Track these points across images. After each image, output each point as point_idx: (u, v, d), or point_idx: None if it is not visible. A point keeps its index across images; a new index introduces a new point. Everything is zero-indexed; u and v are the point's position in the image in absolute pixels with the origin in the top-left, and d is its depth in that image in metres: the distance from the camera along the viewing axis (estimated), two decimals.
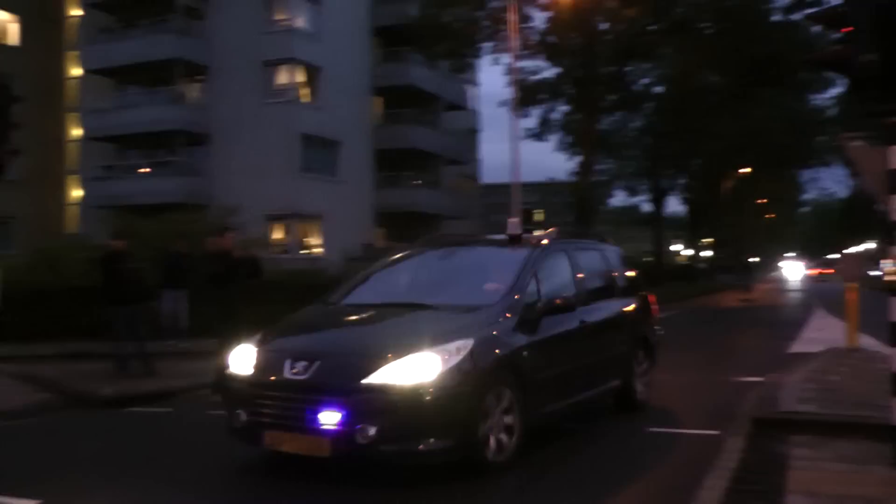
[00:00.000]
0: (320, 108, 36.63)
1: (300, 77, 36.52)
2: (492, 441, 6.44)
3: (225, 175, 34.45)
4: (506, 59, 29.34)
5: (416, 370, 6.09)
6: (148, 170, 38.08)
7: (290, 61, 35.81)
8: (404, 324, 7.04)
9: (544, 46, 32.27)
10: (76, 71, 41.12)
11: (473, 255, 8.75)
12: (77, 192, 41.26)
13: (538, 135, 40.14)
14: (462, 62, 36.83)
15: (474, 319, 6.86)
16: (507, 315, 7.00)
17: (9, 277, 12.70)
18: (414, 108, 42.93)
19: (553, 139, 42.73)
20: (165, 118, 36.02)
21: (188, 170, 36.59)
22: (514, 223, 8.47)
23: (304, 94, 36.80)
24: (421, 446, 6.03)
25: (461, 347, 6.32)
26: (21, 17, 40.64)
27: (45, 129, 38.24)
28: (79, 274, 16.09)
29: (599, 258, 9.14)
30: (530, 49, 31.91)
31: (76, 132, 41.25)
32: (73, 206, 41.47)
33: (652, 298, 10.04)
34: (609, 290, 9.05)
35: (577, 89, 33.22)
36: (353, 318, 7.58)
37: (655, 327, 9.92)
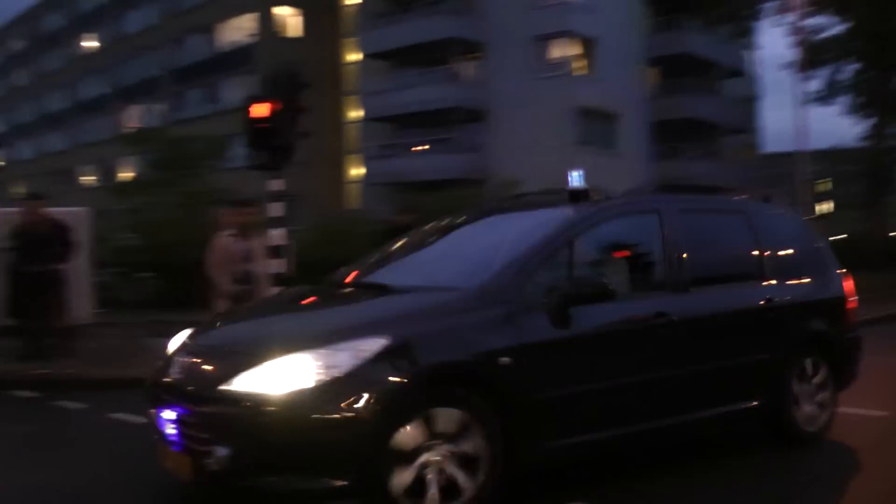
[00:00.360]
0: (595, 81, 36.22)
1: (574, 50, 36.29)
2: (431, 488, 4.47)
3: (501, 151, 35.02)
4: (789, 18, 27.76)
5: (283, 377, 4.43)
6: (425, 147, 39.48)
7: (565, 34, 35.66)
8: (325, 313, 5.69)
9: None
10: (354, 56, 43.44)
11: (511, 223, 6.43)
12: (356, 171, 43.59)
13: (824, 98, 37.52)
14: (742, 26, 35.28)
15: (414, 309, 5.16)
16: (487, 304, 4.99)
17: (297, 250, 13.34)
18: (690, 76, 41.30)
19: (840, 102, 39.96)
20: (441, 97, 36.97)
21: (465, 146, 37.41)
22: (576, 176, 6.22)
23: (579, 67, 36.51)
24: (301, 483, 4.37)
25: (362, 349, 4.51)
26: (303, 10, 43.93)
27: (326, 113, 40.82)
28: (362, 246, 17.02)
29: (733, 224, 6.68)
30: (816, 4, 29.85)
31: (355, 114, 43.47)
32: (352, 184, 43.99)
33: (849, 285, 7.17)
34: (746, 269, 6.57)
35: (871, 44, 30.57)
36: (301, 303, 6.14)
37: (850, 328, 7.05)
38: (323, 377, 4.37)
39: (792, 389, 6.34)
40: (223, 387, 4.51)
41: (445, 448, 4.54)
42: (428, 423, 4.50)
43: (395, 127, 40.64)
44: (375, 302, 5.48)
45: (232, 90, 42.81)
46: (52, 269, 10.57)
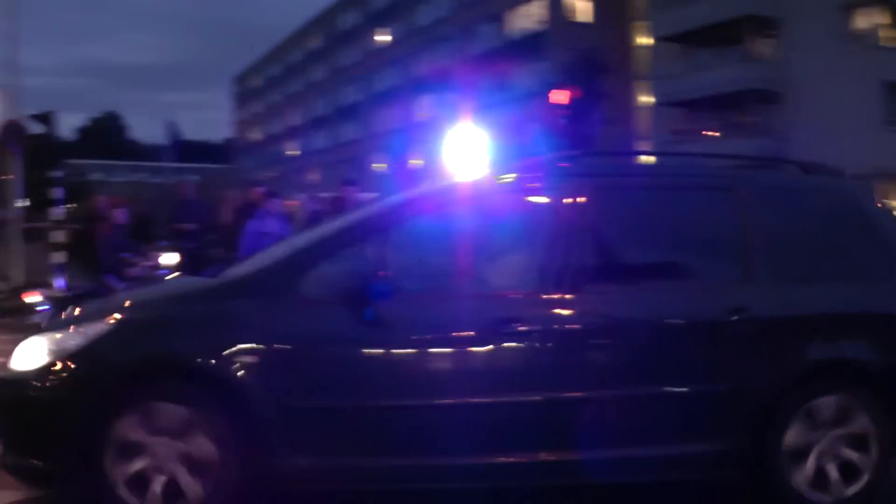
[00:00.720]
0: None
1: (882, 18, 34.71)
2: (153, 485, 4.23)
3: (797, 133, 33.69)
4: None
5: (25, 357, 4.47)
6: (717, 133, 39.20)
7: (872, 1, 34.29)
8: (117, 297, 5.88)
9: None
10: (644, 40, 43.82)
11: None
12: (646, 159, 43.92)
13: None
14: None
15: (159, 295, 5.16)
16: (238, 295, 4.55)
17: None
18: None
19: None
20: (735, 79, 36.40)
21: (760, 130, 36.71)
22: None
23: (888, 36, 34.89)
24: (16, 461, 4.43)
25: (88, 333, 4.39)
26: None
27: (617, 99, 41.80)
28: None
29: (696, 204, 5.09)
30: None
31: (646, 99, 43.80)
32: None
33: None
34: (700, 265, 5.02)
35: None
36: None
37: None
38: (49, 358, 4.35)
39: (783, 437, 4.68)
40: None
41: (172, 446, 4.26)
42: (148, 415, 4.26)
43: (686, 112, 40.53)
44: (151, 288, 5.67)
45: (522, 78, 44.92)
46: None
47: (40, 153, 18.28)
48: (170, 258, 11.00)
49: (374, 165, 63.22)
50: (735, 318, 4.68)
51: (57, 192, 16.57)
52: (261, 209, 10.45)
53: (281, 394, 4.29)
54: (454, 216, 4.91)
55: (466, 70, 51.53)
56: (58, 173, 17.65)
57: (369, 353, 4.50)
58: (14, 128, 16.64)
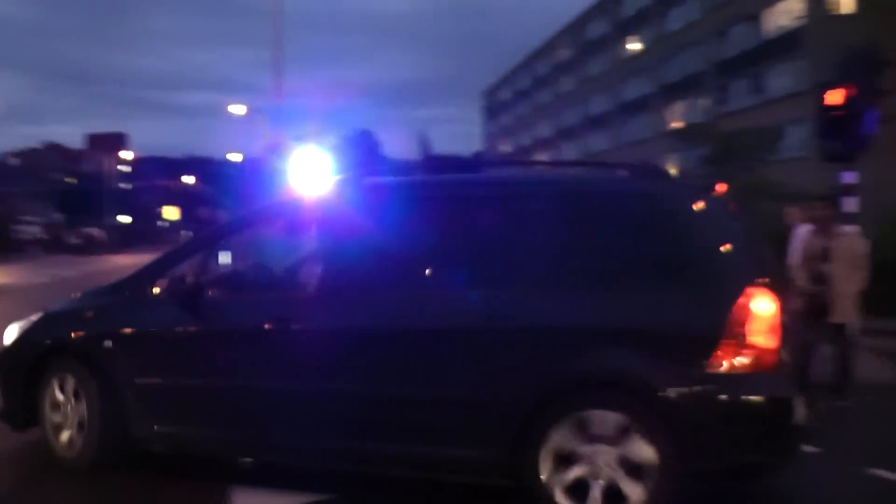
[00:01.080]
0: None
1: None
2: (62, 435, 5.79)
3: None
4: None
5: (4, 339, 6.30)
6: None
7: None
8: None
9: None
10: None
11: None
12: None
13: None
14: None
15: (83, 295, 6.46)
16: (115, 293, 5.99)
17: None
18: None
19: None
20: None
21: None
22: None
23: None
24: None
25: (31, 320, 6.21)
26: None
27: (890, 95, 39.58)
28: None
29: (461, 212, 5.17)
30: None
31: None
32: None
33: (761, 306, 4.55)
34: (448, 272, 5.04)
35: None
36: None
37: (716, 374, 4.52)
38: (7, 342, 6.20)
39: (544, 447, 4.63)
40: None
41: (73, 408, 5.71)
42: (60, 386, 5.78)
43: None
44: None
45: (779, 78, 43.52)
46: None
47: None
48: None
49: None
50: (500, 325, 4.73)
51: None
52: None
53: (131, 372, 5.56)
54: (275, 229, 6.14)
55: (718, 74, 50.77)
56: None
57: (184, 337, 5.60)
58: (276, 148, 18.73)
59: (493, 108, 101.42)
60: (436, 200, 5.33)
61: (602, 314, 4.67)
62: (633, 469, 4.47)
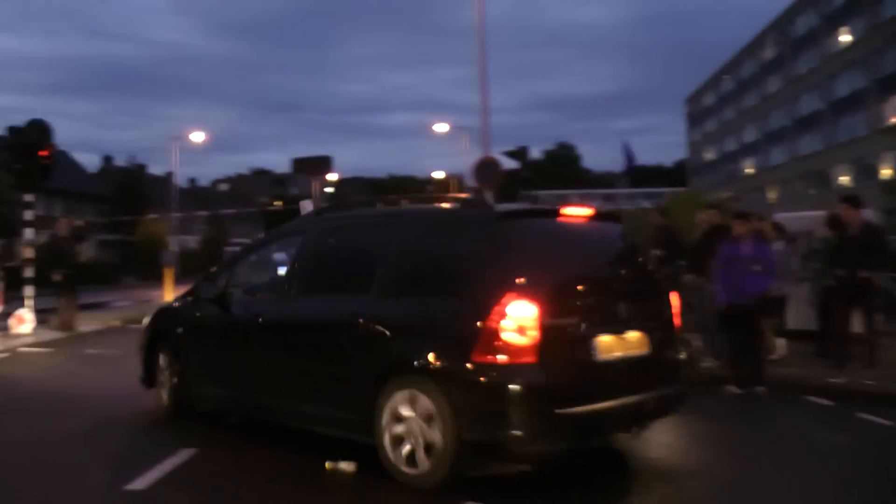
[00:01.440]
0: None
1: None
2: (162, 393, 8.47)
3: None
4: None
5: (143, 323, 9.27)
6: None
7: None
8: None
9: None
10: None
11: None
12: None
13: None
14: None
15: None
16: (187, 296, 8.57)
17: None
18: None
19: None
20: None
21: None
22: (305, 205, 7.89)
23: None
24: None
25: (151, 314, 9.34)
26: None
27: None
28: None
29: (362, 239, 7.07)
30: None
31: None
32: None
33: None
34: (348, 282, 6.88)
35: None
36: None
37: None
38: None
39: (383, 412, 6.06)
40: None
41: (167, 375, 8.35)
42: (162, 360, 8.48)
43: None
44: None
45: None
46: (863, 277, 10.16)
47: (508, 186, 20.42)
48: None
49: (840, 179, 60.26)
50: (356, 321, 6.30)
51: None
52: (733, 233, 10.05)
53: (191, 350, 8.12)
54: (276, 248, 8.62)
55: None
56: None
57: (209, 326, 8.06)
58: (489, 164, 18.69)
59: (696, 114, 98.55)
60: (336, 230, 7.37)
61: (407, 315, 6.14)
62: (428, 436, 5.73)
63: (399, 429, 5.91)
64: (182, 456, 6.72)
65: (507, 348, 5.46)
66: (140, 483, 5.99)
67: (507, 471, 6.29)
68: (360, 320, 6.28)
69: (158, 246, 48.52)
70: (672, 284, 11.53)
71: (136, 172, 70.32)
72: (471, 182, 19.75)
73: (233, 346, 7.61)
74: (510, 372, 5.45)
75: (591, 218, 6.68)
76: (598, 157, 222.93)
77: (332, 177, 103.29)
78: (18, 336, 15.90)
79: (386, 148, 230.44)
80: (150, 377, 8.60)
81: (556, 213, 6.49)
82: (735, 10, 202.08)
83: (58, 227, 18.05)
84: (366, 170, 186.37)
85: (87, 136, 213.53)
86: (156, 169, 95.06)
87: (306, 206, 8.20)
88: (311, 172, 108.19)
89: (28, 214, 18.03)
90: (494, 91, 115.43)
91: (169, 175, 64.65)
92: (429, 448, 5.75)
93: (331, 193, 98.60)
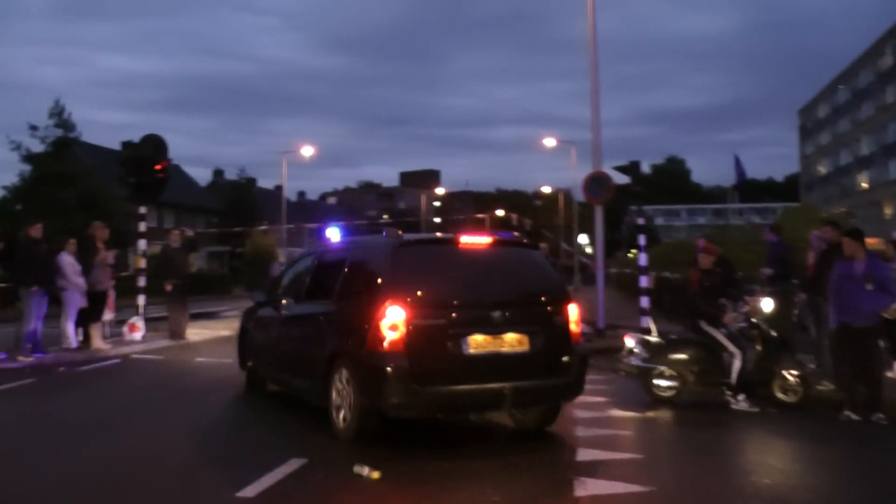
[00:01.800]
0: None
1: None
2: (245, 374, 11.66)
3: None
4: None
5: None
6: None
7: None
8: None
9: None
10: None
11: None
12: None
13: None
14: None
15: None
16: (261, 298, 11.38)
17: None
18: None
19: None
20: None
21: None
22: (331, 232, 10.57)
23: None
24: None
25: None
26: None
27: None
28: None
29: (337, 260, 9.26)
30: None
31: None
32: None
33: None
34: (326, 291, 9.01)
35: None
36: None
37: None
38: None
39: (332, 384, 8.19)
40: None
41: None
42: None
43: None
44: None
45: None
46: None
47: (619, 202, 20.29)
48: (766, 304, 10.53)
49: None
50: (318, 317, 8.93)
51: (640, 239, 17.86)
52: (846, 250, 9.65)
53: (252, 339, 11.19)
54: (310, 264, 10.03)
55: None
56: (640, 220, 19.23)
57: (264, 323, 10.85)
58: (600, 179, 18.70)
59: (809, 126, 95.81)
60: (325, 254, 9.80)
61: (347, 314, 8.21)
62: (348, 402, 7.81)
63: (336, 396, 8.02)
64: (292, 465, 6.93)
65: (384, 340, 7.37)
66: (250, 490, 6.13)
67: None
68: (322, 318, 8.74)
69: (267, 257, 50.23)
70: (783, 304, 11.48)
71: (245, 186, 72.41)
72: (580, 197, 20.00)
73: (267, 336, 10.49)
74: (384, 357, 7.33)
75: (493, 244, 8.27)
76: (708, 170, 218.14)
77: (439, 190, 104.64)
78: (131, 343, 16.78)
79: (493, 162, 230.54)
80: (242, 361, 11.55)
81: (455, 242, 8.10)
82: (851, 17, 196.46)
83: (170, 239, 18.41)
84: (473, 184, 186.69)
85: (199, 151, 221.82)
86: (265, 182, 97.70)
87: (332, 233, 10.17)
88: (418, 186, 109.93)
89: (141, 226, 18.71)
90: (603, 104, 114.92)
91: (278, 188, 66.45)
92: (349, 410, 7.82)
93: (438, 207, 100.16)
